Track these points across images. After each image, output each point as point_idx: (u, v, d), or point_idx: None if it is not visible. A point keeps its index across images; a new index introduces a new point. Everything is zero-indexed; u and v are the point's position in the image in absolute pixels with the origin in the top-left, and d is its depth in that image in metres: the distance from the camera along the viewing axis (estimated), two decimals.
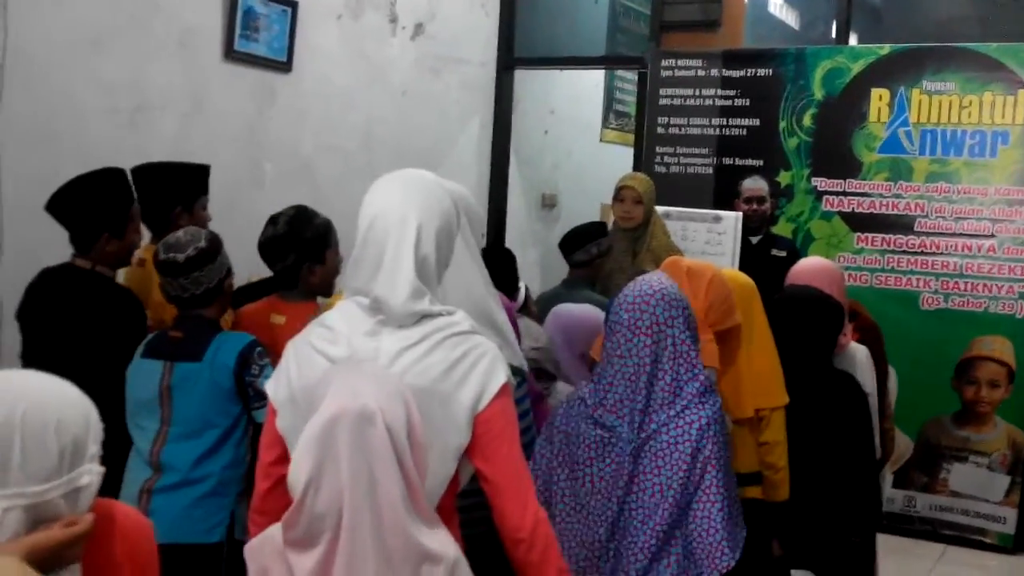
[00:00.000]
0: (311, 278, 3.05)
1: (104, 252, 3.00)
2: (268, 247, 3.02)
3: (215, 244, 2.77)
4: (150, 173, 3.40)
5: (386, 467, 1.60)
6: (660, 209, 4.87)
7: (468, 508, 2.06)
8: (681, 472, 2.27)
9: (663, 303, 2.37)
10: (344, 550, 1.59)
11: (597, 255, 4.42)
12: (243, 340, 2.69)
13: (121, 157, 3.85)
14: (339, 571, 1.60)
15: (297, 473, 1.64)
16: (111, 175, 3.05)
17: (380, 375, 1.73)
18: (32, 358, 2.92)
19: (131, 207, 3.08)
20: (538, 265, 6.88)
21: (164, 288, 2.76)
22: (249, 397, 2.68)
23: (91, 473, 1.46)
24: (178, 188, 3.37)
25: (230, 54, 4.58)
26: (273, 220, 3.06)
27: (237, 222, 3.10)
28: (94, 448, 1.48)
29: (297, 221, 3.05)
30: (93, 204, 2.98)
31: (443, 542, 1.68)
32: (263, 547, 1.72)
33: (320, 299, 3.15)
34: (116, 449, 2.69)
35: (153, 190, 3.34)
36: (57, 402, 1.45)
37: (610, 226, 4.58)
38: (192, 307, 2.75)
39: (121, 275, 3.24)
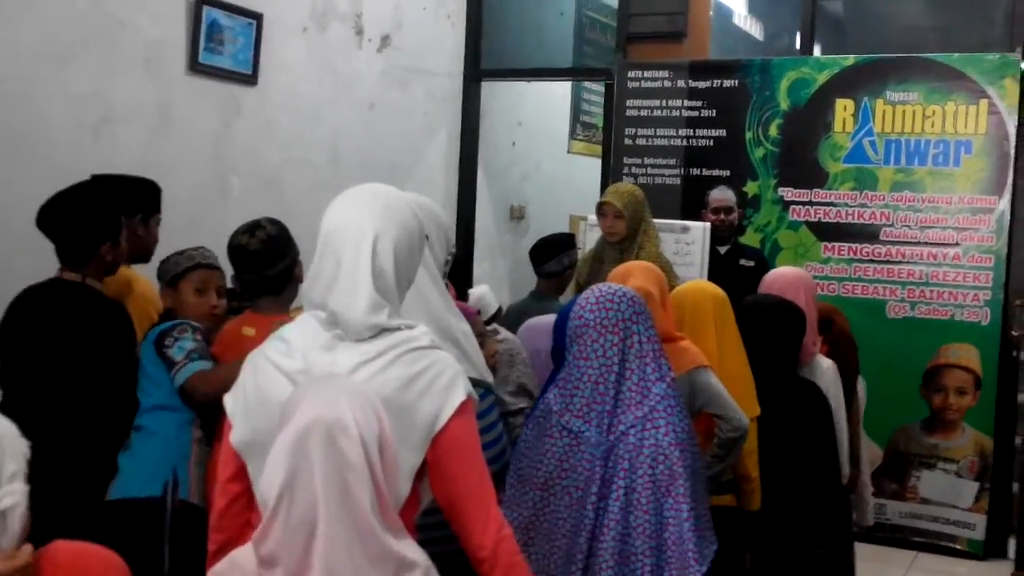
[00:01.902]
0: (300, 278, 2.99)
1: (102, 262, 2.95)
2: (268, 246, 2.91)
3: (282, 229, 2.94)
4: (108, 183, 3.36)
5: (359, 477, 1.57)
6: None
7: (432, 527, 2.03)
8: (649, 478, 2.26)
9: (627, 300, 2.38)
10: (320, 561, 1.56)
11: (568, 265, 4.44)
12: (169, 324, 2.83)
13: (87, 170, 3.80)
14: None
15: (269, 484, 1.60)
16: (99, 186, 3.02)
17: (353, 388, 1.70)
18: (14, 378, 2.85)
19: (121, 216, 3.02)
20: (507, 277, 6.87)
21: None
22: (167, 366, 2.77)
23: (12, 494, 1.42)
24: (134, 201, 3.31)
25: (195, 67, 4.54)
26: (254, 226, 2.96)
27: (202, 236, 3.05)
28: (12, 467, 1.43)
29: (280, 226, 3.01)
30: (92, 214, 2.93)
31: (415, 550, 1.66)
32: (231, 572, 1.68)
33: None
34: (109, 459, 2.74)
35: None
36: None
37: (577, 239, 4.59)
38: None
39: None
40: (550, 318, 3.09)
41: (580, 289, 4.34)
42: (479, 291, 4.02)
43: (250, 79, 4.84)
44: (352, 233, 1.86)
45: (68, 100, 3.98)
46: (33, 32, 3.83)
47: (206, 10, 4.55)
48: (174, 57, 4.47)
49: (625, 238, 4.47)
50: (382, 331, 1.85)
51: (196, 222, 3.45)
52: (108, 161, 3.92)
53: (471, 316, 2.76)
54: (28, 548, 1.42)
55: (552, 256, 4.39)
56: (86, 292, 2.91)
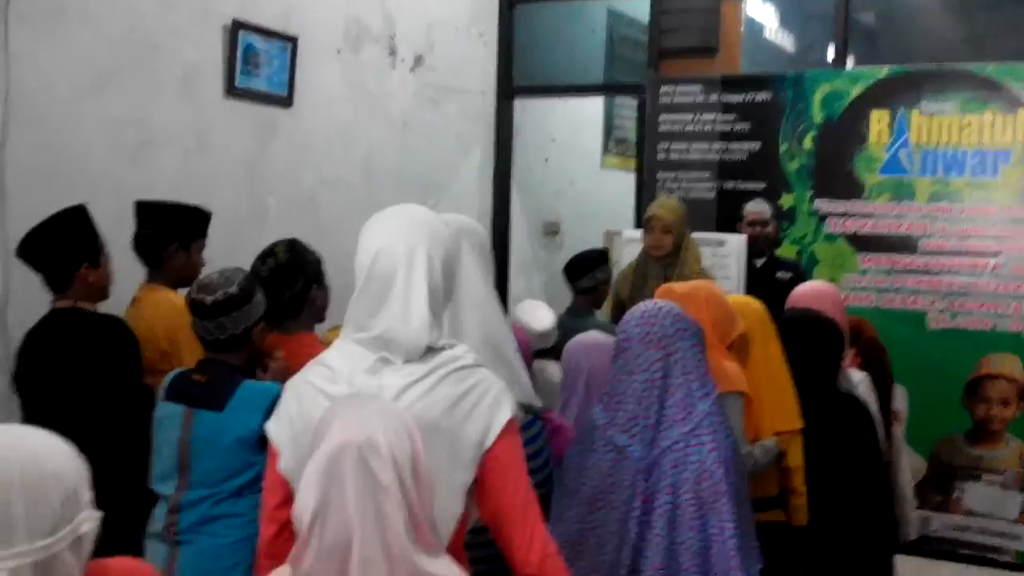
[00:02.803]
0: (318, 302, 3.04)
1: (85, 284, 3.00)
2: (277, 274, 2.95)
3: (246, 291, 2.67)
4: (151, 209, 3.41)
5: (392, 498, 1.58)
6: None
7: (481, 545, 2.04)
8: (695, 495, 2.25)
9: (671, 316, 2.38)
10: None
11: (603, 280, 4.43)
12: (270, 392, 2.51)
13: (125, 194, 3.87)
14: None
15: (303, 506, 1.61)
16: (75, 212, 3.05)
17: (386, 408, 1.71)
18: (37, 417, 2.88)
19: (99, 238, 3.08)
20: (542, 293, 6.87)
21: (192, 327, 2.71)
22: None
23: (90, 520, 1.45)
24: (176, 226, 3.37)
25: (232, 90, 4.60)
26: (267, 253, 3.02)
27: (240, 257, 3.08)
28: (87, 494, 1.46)
29: (295, 248, 3.04)
30: (67, 237, 2.99)
31: (449, 570, 1.65)
32: None
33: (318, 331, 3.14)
34: (131, 489, 2.69)
35: (152, 226, 3.35)
36: (49, 452, 1.43)
37: (609, 256, 4.58)
38: (216, 350, 2.68)
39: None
40: (595, 334, 3.08)
41: (621, 304, 4.32)
42: (546, 322, 3.84)
43: (285, 101, 4.89)
44: (402, 253, 1.87)
45: (107, 125, 4.04)
46: (71, 58, 3.89)
47: (242, 34, 4.61)
48: (211, 81, 4.53)
49: (669, 253, 4.45)
50: (428, 351, 1.86)
51: (233, 243, 3.48)
52: (147, 185, 3.98)
53: (523, 347, 2.77)
54: None
55: (586, 272, 4.38)
56: (79, 316, 2.97)
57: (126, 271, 3.37)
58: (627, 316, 2.44)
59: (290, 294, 2.95)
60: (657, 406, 2.31)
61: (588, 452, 2.38)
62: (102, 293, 3.11)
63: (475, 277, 2.16)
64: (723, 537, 2.24)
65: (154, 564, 2.55)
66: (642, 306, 2.44)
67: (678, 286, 3.00)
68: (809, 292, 3.50)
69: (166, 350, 3.13)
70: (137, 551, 2.61)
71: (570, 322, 4.22)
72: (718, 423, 2.32)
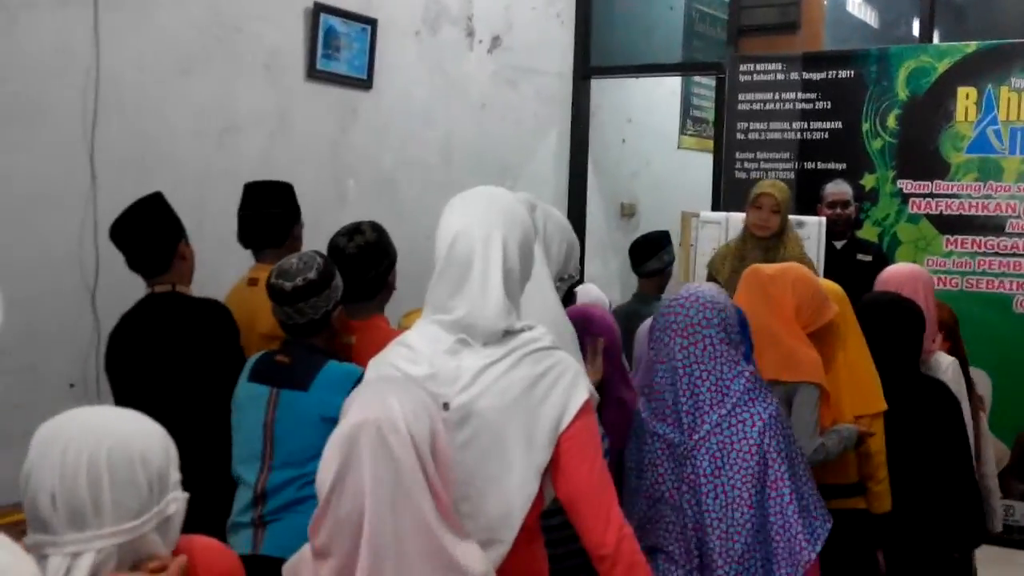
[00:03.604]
0: (393, 284, 3.05)
1: (182, 263, 3.04)
2: (365, 252, 2.94)
3: (325, 276, 2.69)
4: (271, 189, 3.45)
5: (410, 475, 1.61)
6: (743, 215, 4.82)
7: (555, 528, 2.06)
8: (745, 472, 2.25)
9: (696, 305, 2.36)
10: (366, 556, 1.59)
11: (668, 263, 4.43)
12: (352, 373, 2.55)
13: (210, 178, 3.98)
14: (361, 575, 1.61)
15: (322, 480, 1.66)
16: (154, 198, 3.09)
17: (407, 388, 1.74)
18: (131, 403, 2.93)
19: (180, 221, 3.11)
20: (618, 275, 6.86)
21: (273, 312, 2.74)
22: None
23: (177, 501, 1.49)
24: (296, 205, 3.42)
25: (313, 73, 4.67)
26: (353, 230, 3.00)
27: (320, 240, 3.13)
28: (176, 475, 1.51)
29: (381, 229, 3.03)
30: (161, 217, 3.03)
31: (472, 555, 1.66)
32: (298, 564, 1.73)
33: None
34: (222, 472, 2.73)
35: (279, 205, 3.39)
36: (138, 434, 1.47)
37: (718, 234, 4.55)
38: (297, 335, 2.71)
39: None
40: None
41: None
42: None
43: (365, 84, 4.95)
44: (479, 237, 1.90)
45: (192, 109, 4.14)
46: (156, 43, 3.99)
47: (323, 17, 4.68)
48: (293, 64, 4.60)
49: (773, 235, 4.35)
50: (506, 333, 1.89)
51: (314, 225, 3.53)
52: (231, 168, 4.07)
53: (595, 333, 2.76)
54: (182, 559, 1.49)
55: (652, 254, 4.39)
56: (181, 300, 3.00)
57: (213, 254, 3.45)
58: (660, 306, 2.44)
59: (375, 273, 2.95)
60: (689, 393, 2.31)
61: (641, 446, 2.40)
62: (190, 274, 3.15)
63: (539, 262, 2.17)
64: (782, 505, 2.25)
65: (239, 550, 2.60)
66: (673, 295, 2.43)
67: (766, 267, 2.97)
68: (899, 274, 3.43)
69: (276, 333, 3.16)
70: (222, 536, 2.65)
71: (637, 308, 4.22)
72: (755, 396, 2.31)
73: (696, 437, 2.30)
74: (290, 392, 2.61)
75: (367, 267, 2.93)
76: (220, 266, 3.49)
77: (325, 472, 1.65)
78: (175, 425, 2.55)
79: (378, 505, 1.59)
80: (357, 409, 1.67)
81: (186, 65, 4.11)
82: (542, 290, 2.24)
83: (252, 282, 3.30)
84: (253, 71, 4.42)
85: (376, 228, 3.02)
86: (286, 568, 1.75)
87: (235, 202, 3.42)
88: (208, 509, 2.56)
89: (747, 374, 2.34)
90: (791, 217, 4.78)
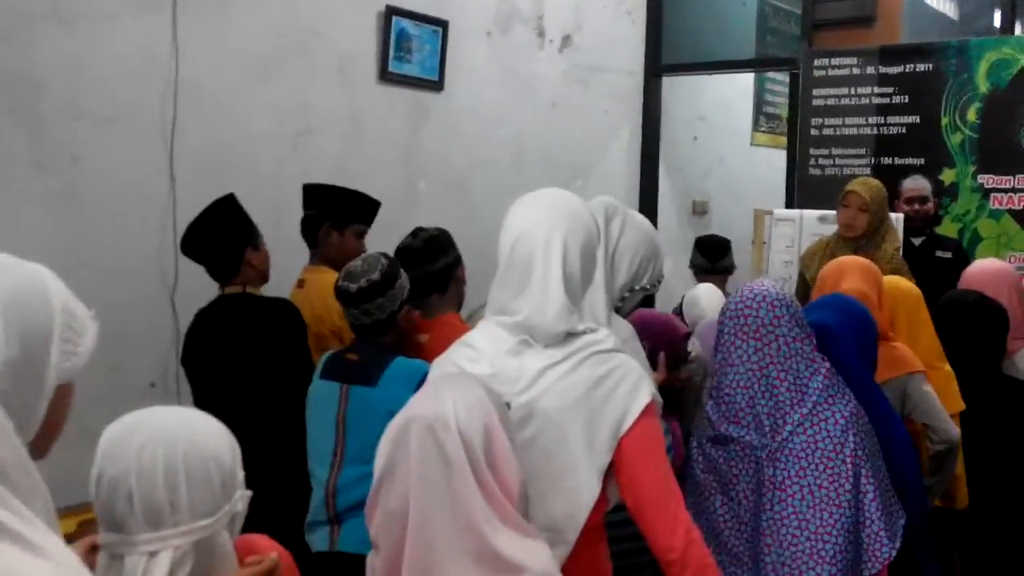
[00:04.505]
0: (462, 279, 3.10)
1: (250, 268, 3.12)
2: (431, 244, 3.03)
3: (389, 277, 2.75)
4: (313, 191, 3.57)
5: (459, 472, 1.61)
6: (817, 213, 4.75)
7: (618, 524, 2.05)
8: (832, 471, 2.23)
9: (765, 304, 2.33)
10: (410, 552, 1.61)
11: (732, 265, 4.47)
12: (420, 369, 2.59)
13: (286, 180, 4.05)
14: (407, 570, 1.62)
15: (375, 471, 1.68)
16: (226, 200, 3.18)
17: (466, 383, 1.74)
18: (207, 399, 3.00)
19: (252, 223, 3.19)
20: (690, 273, 6.81)
21: (343, 313, 2.83)
22: None
23: (244, 499, 1.52)
24: (330, 208, 3.49)
25: (385, 76, 4.73)
26: (415, 231, 3.12)
27: (393, 241, 3.18)
28: (241, 474, 1.53)
29: (442, 230, 3.14)
30: (226, 225, 3.12)
31: (531, 553, 1.64)
32: (374, 558, 1.75)
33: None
34: (297, 469, 2.79)
35: (312, 207, 3.50)
36: (209, 434, 1.50)
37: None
38: (364, 335, 2.78)
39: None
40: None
41: (807, 285, 4.20)
42: (718, 302, 3.79)
43: (436, 85, 4.99)
44: (540, 239, 1.91)
45: (269, 111, 4.22)
46: (235, 46, 4.07)
47: (395, 20, 4.73)
48: (365, 67, 4.66)
49: (863, 235, 4.19)
50: (568, 335, 1.90)
51: (387, 226, 3.59)
52: (306, 169, 4.14)
53: (680, 338, 2.77)
54: (274, 556, 1.53)
55: (726, 252, 4.41)
56: (250, 300, 3.09)
57: (289, 256, 3.52)
58: (724, 307, 2.42)
59: (441, 264, 3.02)
60: (768, 395, 2.28)
61: (708, 447, 2.38)
62: (265, 276, 3.23)
63: (598, 266, 2.17)
64: (867, 502, 2.22)
65: (318, 547, 2.66)
66: (737, 295, 2.40)
67: (844, 264, 2.94)
68: (984, 272, 3.37)
69: (337, 328, 3.24)
70: (299, 535, 2.70)
71: None
72: (836, 394, 2.29)
73: (779, 438, 2.28)
74: (359, 388, 2.67)
75: (433, 259, 3.00)
76: (295, 267, 3.56)
77: (376, 466, 1.68)
78: (248, 422, 2.62)
79: (423, 501, 1.61)
80: (411, 405, 1.69)
81: (262, 69, 4.19)
82: (594, 295, 2.23)
83: (300, 284, 3.42)
84: (327, 74, 4.48)
85: (438, 229, 3.12)
86: (368, 563, 1.77)
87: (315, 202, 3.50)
88: (282, 508, 2.65)
89: (823, 371, 2.32)
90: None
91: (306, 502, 2.73)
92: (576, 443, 1.85)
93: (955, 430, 2.75)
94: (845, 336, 2.57)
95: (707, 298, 3.78)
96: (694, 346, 2.97)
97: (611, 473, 1.88)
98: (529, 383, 1.88)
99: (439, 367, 2.02)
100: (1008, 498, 2.92)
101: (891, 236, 4.25)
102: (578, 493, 1.86)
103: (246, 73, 4.13)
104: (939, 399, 2.82)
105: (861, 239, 4.19)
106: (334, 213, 3.48)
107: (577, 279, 1.93)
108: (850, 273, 2.83)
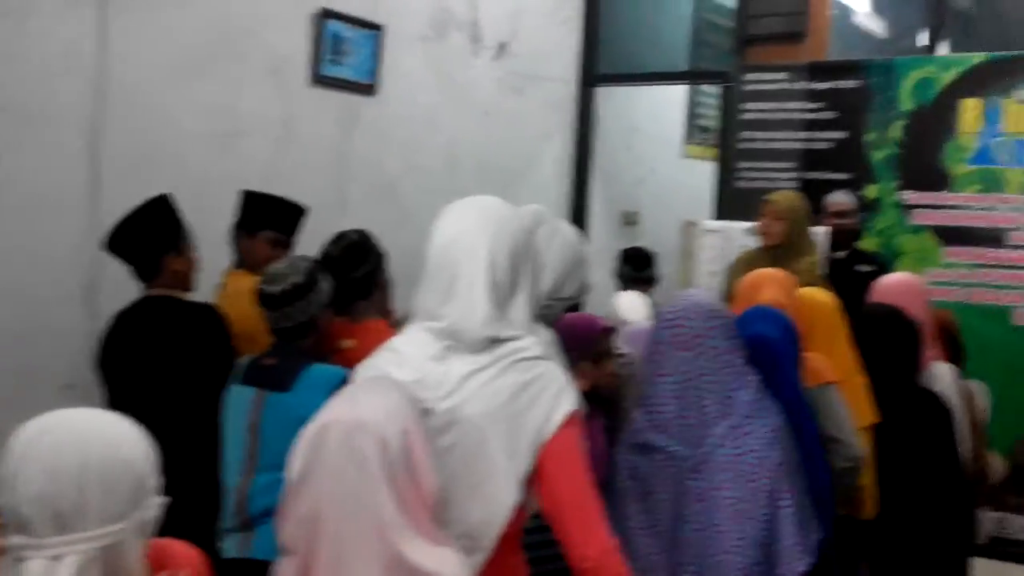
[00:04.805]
0: (385, 286, 3.09)
1: (171, 273, 3.08)
2: (351, 252, 3.02)
3: (311, 280, 2.75)
4: (242, 196, 3.51)
5: (375, 479, 1.60)
6: (744, 225, 4.83)
7: (540, 545, 2.07)
8: (751, 485, 2.27)
9: (699, 315, 2.36)
10: (323, 558, 1.60)
11: (656, 277, 4.57)
12: (336, 375, 2.57)
13: (216, 181, 4.00)
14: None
15: (288, 476, 1.67)
16: (158, 202, 3.14)
17: (384, 388, 1.75)
18: (121, 402, 2.94)
19: (182, 227, 3.16)
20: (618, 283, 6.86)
21: (262, 316, 2.80)
22: None
23: (156, 506, 1.50)
24: (242, 213, 3.48)
25: (318, 79, 4.69)
26: (339, 237, 3.11)
27: (323, 244, 3.16)
28: (155, 480, 1.51)
29: (363, 233, 3.13)
30: (151, 228, 3.08)
31: (443, 562, 1.64)
32: (284, 565, 1.74)
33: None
34: (212, 475, 2.75)
35: (237, 213, 3.47)
36: (123, 438, 1.48)
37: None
38: (284, 338, 2.76)
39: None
40: (644, 325, 3.12)
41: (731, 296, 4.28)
42: (640, 308, 3.92)
43: (370, 89, 4.97)
44: (467, 245, 1.93)
45: (198, 112, 4.16)
46: (164, 45, 4.01)
47: (329, 22, 4.70)
48: (298, 69, 4.62)
49: (780, 245, 4.32)
50: (493, 341, 1.91)
51: (316, 230, 3.55)
52: (235, 173, 4.09)
53: (597, 333, 2.79)
54: (186, 573, 1.52)
55: (651, 263, 4.49)
56: (173, 303, 3.05)
57: (214, 260, 3.48)
58: (657, 317, 2.45)
59: (364, 271, 3.01)
60: (696, 405, 2.31)
61: (632, 456, 2.40)
62: (189, 282, 3.18)
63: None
64: (785, 517, 2.26)
65: (229, 554, 2.63)
66: (671, 304, 2.43)
67: (760, 276, 2.99)
68: (893, 285, 3.46)
69: (252, 336, 3.21)
70: (211, 542, 2.67)
71: None
72: (762, 408, 2.32)
73: (703, 450, 2.30)
74: (274, 394, 2.64)
75: (355, 265, 2.99)
76: (219, 270, 3.52)
77: (290, 470, 1.66)
78: (165, 428, 2.58)
79: (336, 506, 1.60)
80: (329, 409, 1.69)
81: (193, 69, 4.14)
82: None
83: (220, 288, 3.42)
84: (259, 75, 4.44)
85: (360, 232, 3.11)
86: (274, 570, 1.76)
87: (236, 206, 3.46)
88: (198, 513, 2.61)
89: (752, 384, 2.35)
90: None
91: (219, 509, 2.70)
92: (497, 450, 1.86)
93: (861, 449, 2.79)
94: (787, 349, 2.61)
95: (628, 305, 3.84)
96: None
97: (532, 481, 1.89)
98: (453, 389, 1.88)
99: (364, 372, 2.01)
100: (918, 509, 2.99)
101: (811, 250, 4.34)
102: (496, 500, 1.87)
103: (175, 72, 4.07)
104: (854, 411, 2.88)
105: (779, 249, 4.29)
106: (246, 218, 3.46)
107: (504, 286, 1.94)
108: (767, 285, 2.88)
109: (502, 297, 1.94)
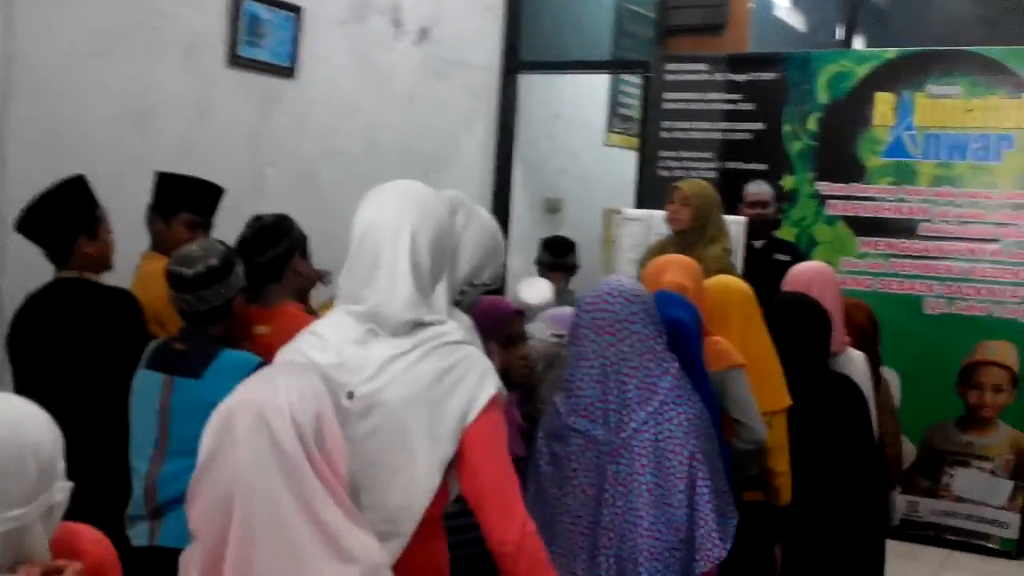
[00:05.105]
0: (300, 270, 3.02)
1: (84, 256, 2.99)
2: (261, 235, 2.96)
3: (227, 263, 2.68)
4: (156, 178, 3.43)
5: (291, 460, 1.58)
6: (664, 213, 4.86)
7: (463, 528, 2.06)
8: (669, 470, 2.28)
9: (621, 300, 2.37)
10: (234, 542, 1.57)
11: (576, 264, 4.62)
12: (248, 362, 2.53)
13: (126, 163, 3.90)
14: (230, 560, 1.58)
15: (199, 458, 1.64)
16: (72, 183, 3.05)
17: (298, 371, 1.72)
18: (30, 384, 2.87)
19: (97, 209, 3.06)
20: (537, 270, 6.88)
21: (171, 299, 2.71)
22: None
23: (63, 490, 1.46)
24: (156, 196, 3.38)
25: (235, 60, 4.60)
26: (254, 219, 3.05)
27: (239, 227, 3.10)
28: (62, 464, 1.48)
29: (283, 216, 3.06)
30: (63, 210, 2.98)
31: (364, 545, 1.62)
32: (192, 552, 1.70)
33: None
34: (121, 461, 2.68)
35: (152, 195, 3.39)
36: (29, 421, 1.45)
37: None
38: (197, 322, 2.68)
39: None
40: (566, 309, 3.12)
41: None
42: (545, 295, 3.92)
43: (289, 72, 4.89)
44: (389, 229, 1.91)
45: (108, 92, 4.05)
46: (72, 23, 3.89)
47: (246, 3, 4.61)
48: (214, 50, 4.53)
49: (688, 231, 4.36)
50: (416, 326, 1.89)
51: (232, 214, 3.47)
52: (148, 154, 4.00)
53: (508, 315, 2.78)
54: (77, 566, 1.46)
55: (571, 250, 4.52)
56: (85, 286, 2.97)
57: (126, 242, 3.38)
58: (579, 301, 2.45)
59: (273, 254, 2.95)
60: (617, 390, 2.32)
61: (553, 440, 2.40)
62: (103, 264, 3.09)
63: None
64: (703, 504, 2.28)
65: (137, 542, 2.56)
66: (594, 289, 2.44)
67: (665, 261, 3.02)
68: (804, 273, 3.52)
69: (161, 319, 3.14)
70: (120, 527, 2.61)
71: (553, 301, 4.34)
72: (682, 395, 2.34)
73: (624, 435, 2.31)
74: (184, 380, 2.58)
75: (264, 247, 2.93)
76: (134, 253, 3.42)
77: (201, 453, 1.63)
78: (73, 412, 2.51)
79: (251, 489, 1.57)
80: (240, 390, 1.65)
81: (104, 47, 4.02)
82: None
83: (137, 270, 3.32)
84: (173, 55, 4.34)
85: (278, 216, 3.04)
86: (182, 558, 1.71)
87: (150, 189, 3.37)
88: (106, 499, 2.56)
89: (673, 370, 2.36)
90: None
91: (128, 495, 2.64)
92: (418, 434, 1.85)
93: (764, 432, 2.84)
94: (696, 332, 2.64)
95: (528, 287, 3.85)
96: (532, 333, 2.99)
97: (453, 465, 1.88)
98: (374, 373, 1.87)
99: (285, 356, 1.98)
100: (831, 492, 3.04)
101: (722, 238, 4.42)
102: (417, 485, 1.86)
103: (84, 51, 3.95)
104: (769, 395, 2.92)
105: (688, 235, 4.35)
106: (161, 201, 3.37)
107: (426, 270, 1.93)
108: (669, 268, 2.91)
109: (424, 281, 1.93)
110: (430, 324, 1.91)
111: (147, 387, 2.64)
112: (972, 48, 5.26)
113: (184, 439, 2.48)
